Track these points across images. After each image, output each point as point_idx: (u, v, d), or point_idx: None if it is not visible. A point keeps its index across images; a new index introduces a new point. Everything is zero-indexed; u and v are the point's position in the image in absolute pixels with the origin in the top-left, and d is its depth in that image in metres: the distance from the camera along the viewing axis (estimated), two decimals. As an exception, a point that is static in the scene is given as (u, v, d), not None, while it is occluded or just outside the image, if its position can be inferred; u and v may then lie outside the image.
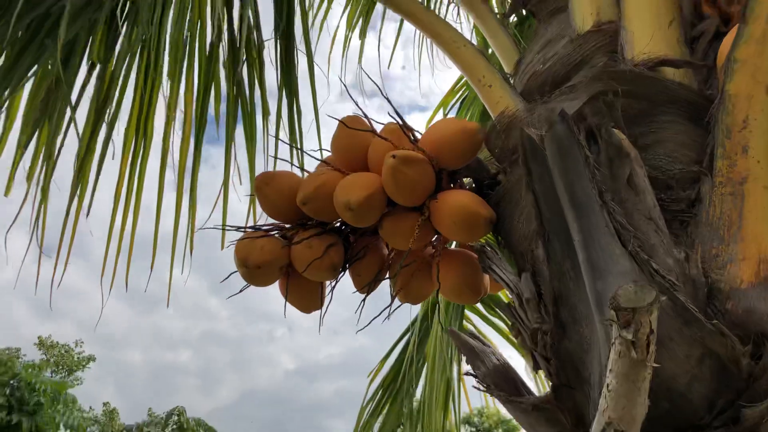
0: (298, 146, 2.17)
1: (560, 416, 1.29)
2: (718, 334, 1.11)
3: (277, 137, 2.08)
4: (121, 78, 2.23)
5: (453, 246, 1.87)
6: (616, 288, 1.01)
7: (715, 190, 1.26)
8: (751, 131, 1.26)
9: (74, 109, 2.17)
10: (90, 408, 18.05)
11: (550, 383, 1.33)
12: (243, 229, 1.89)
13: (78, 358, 19.48)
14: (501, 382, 1.53)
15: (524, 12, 2.17)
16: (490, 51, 2.17)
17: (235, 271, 1.84)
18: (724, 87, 1.30)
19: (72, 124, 2.13)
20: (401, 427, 4.38)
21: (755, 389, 1.13)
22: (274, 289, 1.89)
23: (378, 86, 1.76)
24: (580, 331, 1.25)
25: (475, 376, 1.57)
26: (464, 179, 1.78)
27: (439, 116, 3.57)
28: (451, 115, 3.61)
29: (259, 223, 1.95)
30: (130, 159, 2.26)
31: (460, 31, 1.90)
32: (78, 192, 2.15)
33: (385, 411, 4.25)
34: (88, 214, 2.23)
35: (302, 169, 1.95)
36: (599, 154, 1.29)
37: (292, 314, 2.01)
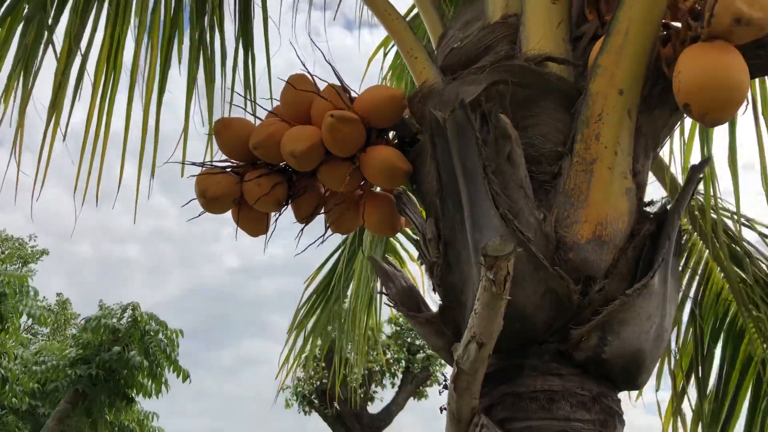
0: (252, 97, 2.46)
1: (444, 329, 1.74)
2: (557, 277, 1.55)
3: (233, 87, 2.37)
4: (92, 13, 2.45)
5: (377, 190, 2.24)
6: (487, 240, 1.42)
7: (573, 167, 1.67)
8: (603, 123, 1.65)
9: (51, 31, 2.40)
10: (44, 297, 18.30)
11: (440, 303, 1.76)
12: (202, 165, 2.22)
13: (31, 251, 19.49)
14: (406, 300, 1.96)
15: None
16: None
17: (194, 198, 2.18)
18: (588, 86, 1.68)
19: (50, 47, 2.36)
20: (331, 326, 4.91)
21: (581, 317, 1.59)
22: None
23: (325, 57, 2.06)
24: (462, 269, 1.67)
25: (387, 294, 2.00)
26: (390, 136, 2.14)
27: (380, 56, 3.86)
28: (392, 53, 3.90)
29: (215, 159, 2.28)
30: (101, 89, 2.50)
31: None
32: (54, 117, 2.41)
33: (317, 312, 4.75)
34: (64, 138, 2.49)
35: (254, 115, 2.25)
36: (488, 134, 1.67)
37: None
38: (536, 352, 1.60)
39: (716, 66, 1.48)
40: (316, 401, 19.48)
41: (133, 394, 6.74)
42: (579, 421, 1.52)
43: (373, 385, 20.19)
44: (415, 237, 2.05)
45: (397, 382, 19.91)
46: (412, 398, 19.73)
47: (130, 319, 6.57)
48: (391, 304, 1.95)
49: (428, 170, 1.86)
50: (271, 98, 2.31)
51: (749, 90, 1.68)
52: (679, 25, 1.71)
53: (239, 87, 2.42)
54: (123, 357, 6.54)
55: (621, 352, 1.56)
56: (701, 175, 1.82)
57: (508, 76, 1.76)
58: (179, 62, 2.44)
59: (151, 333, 6.72)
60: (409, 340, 17.64)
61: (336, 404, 19.80)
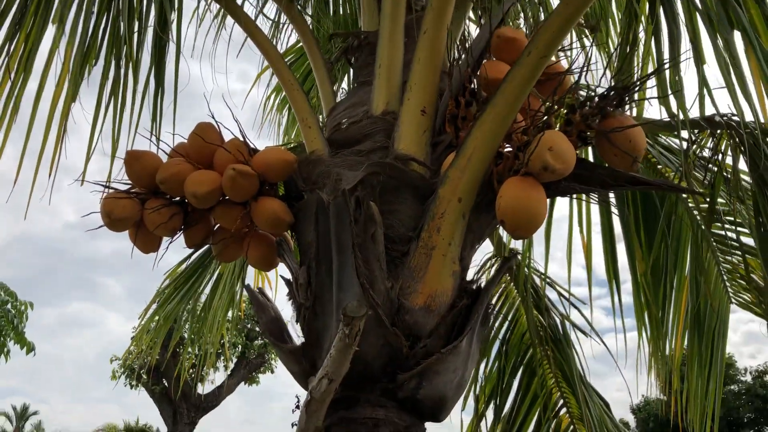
0: (158, 133, 2.78)
1: (303, 360, 2.20)
2: (394, 334, 2.06)
3: (138, 120, 2.68)
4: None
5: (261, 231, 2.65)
6: (348, 302, 1.90)
7: (418, 250, 2.19)
8: (444, 220, 2.19)
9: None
10: None
11: (303, 340, 2.22)
12: (106, 186, 2.52)
13: None
14: (274, 329, 2.40)
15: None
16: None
17: (93, 212, 2.48)
18: (438, 189, 2.21)
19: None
20: (185, 318, 5.20)
21: (407, 365, 2.11)
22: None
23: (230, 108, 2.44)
24: (325, 319, 2.14)
25: (257, 322, 2.42)
26: (280, 189, 2.56)
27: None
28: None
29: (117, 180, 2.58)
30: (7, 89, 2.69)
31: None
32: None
33: (173, 302, 5.02)
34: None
35: (158, 146, 2.58)
36: (360, 216, 2.15)
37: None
38: (370, 388, 2.10)
39: (524, 198, 2.05)
40: (144, 376, 19.18)
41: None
42: (394, 443, 2.05)
43: (204, 367, 20.19)
44: (286, 277, 2.47)
45: (231, 365, 20.03)
46: (243, 383, 19.95)
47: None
48: (261, 333, 2.38)
49: (309, 230, 2.31)
50: (174, 133, 2.63)
51: (547, 214, 2.26)
52: (510, 149, 2.29)
53: (147, 115, 2.74)
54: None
55: (431, 395, 2.10)
56: (508, 265, 2.41)
57: (380, 170, 2.25)
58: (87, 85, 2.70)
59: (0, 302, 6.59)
60: (249, 326, 17.88)
61: (164, 381, 19.58)
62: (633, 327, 3.83)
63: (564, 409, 4.34)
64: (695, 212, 3.54)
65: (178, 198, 2.53)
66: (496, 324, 4.10)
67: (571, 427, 4.36)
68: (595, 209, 3.78)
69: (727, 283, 4.03)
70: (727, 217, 3.71)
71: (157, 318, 5.04)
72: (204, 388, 20.05)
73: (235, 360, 20.08)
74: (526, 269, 3.77)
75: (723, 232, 3.71)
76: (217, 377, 19.96)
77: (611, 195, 3.48)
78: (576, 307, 3.79)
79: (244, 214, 2.45)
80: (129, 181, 2.54)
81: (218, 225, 2.58)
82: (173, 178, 2.42)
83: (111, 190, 2.51)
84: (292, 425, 2.13)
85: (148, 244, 2.55)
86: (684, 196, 3.44)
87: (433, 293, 2.17)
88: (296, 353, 2.23)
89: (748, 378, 23.46)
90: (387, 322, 2.05)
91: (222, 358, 20.02)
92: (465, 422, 4.11)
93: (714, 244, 3.92)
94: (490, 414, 4.13)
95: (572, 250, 3.66)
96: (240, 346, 19.14)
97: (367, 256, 2.11)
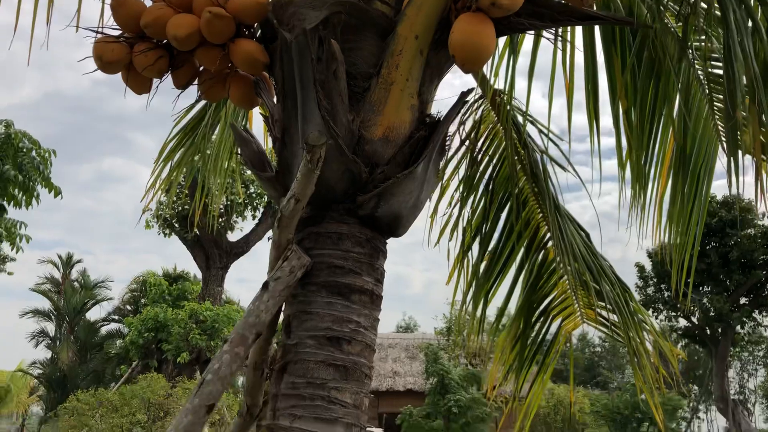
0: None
1: (277, 186, 2.49)
2: (354, 162, 2.32)
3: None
4: None
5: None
6: (309, 132, 2.14)
7: (378, 85, 2.39)
8: (402, 57, 2.37)
9: None
10: None
11: (276, 169, 2.50)
12: (97, 32, 2.71)
13: None
14: (256, 161, 2.67)
15: None
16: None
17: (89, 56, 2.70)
18: (396, 27, 2.37)
19: None
20: (196, 158, 5.52)
21: (366, 188, 2.38)
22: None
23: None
24: (293, 148, 2.40)
25: (242, 155, 2.69)
26: (256, 30, 2.73)
27: None
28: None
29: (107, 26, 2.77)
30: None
31: None
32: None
33: (184, 148, 5.32)
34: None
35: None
36: (322, 54, 2.33)
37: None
38: (335, 208, 2.39)
39: (473, 33, 2.20)
40: (176, 225, 20.20)
41: (3, 203, 7.04)
42: (355, 252, 2.37)
43: (234, 216, 21.07)
44: (266, 114, 2.70)
45: (258, 215, 20.85)
46: (271, 230, 20.81)
47: (3, 135, 6.72)
48: (244, 164, 2.65)
49: (277, 66, 2.51)
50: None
51: (495, 49, 2.40)
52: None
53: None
54: (-3, 170, 6.75)
55: (387, 214, 2.39)
56: (465, 100, 2.60)
57: (342, 9, 2.40)
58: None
59: (24, 150, 6.95)
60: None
61: (196, 230, 20.60)
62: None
63: (552, 242, 4.64)
64: (689, 51, 3.60)
65: (163, 41, 2.71)
66: (484, 162, 4.34)
67: (558, 258, 4.70)
68: (579, 46, 3.85)
69: (719, 123, 4.15)
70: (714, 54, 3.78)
71: (170, 164, 5.34)
72: (233, 236, 21.09)
73: (262, 209, 20.90)
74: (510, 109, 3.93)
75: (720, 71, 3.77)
76: (245, 225, 20.88)
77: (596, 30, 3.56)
78: (555, 143, 3.99)
79: (224, 56, 2.64)
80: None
81: (202, 66, 2.78)
82: (156, 22, 2.59)
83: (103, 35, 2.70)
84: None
85: (139, 85, 2.78)
86: (678, 36, 3.48)
87: (392, 125, 2.39)
88: (272, 180, 2.51)
89: (766, 222, 23.82)
90: (347, 151, 2.30)
91: (249, 207, 20.87)
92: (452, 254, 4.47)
93: (705, 82, 4.02)
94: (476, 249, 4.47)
95: (572, 97, 3.79)
96: (265, 196, 19.84)
97: (329, 91, 2.33)
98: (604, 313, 4.61)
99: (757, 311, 26.07)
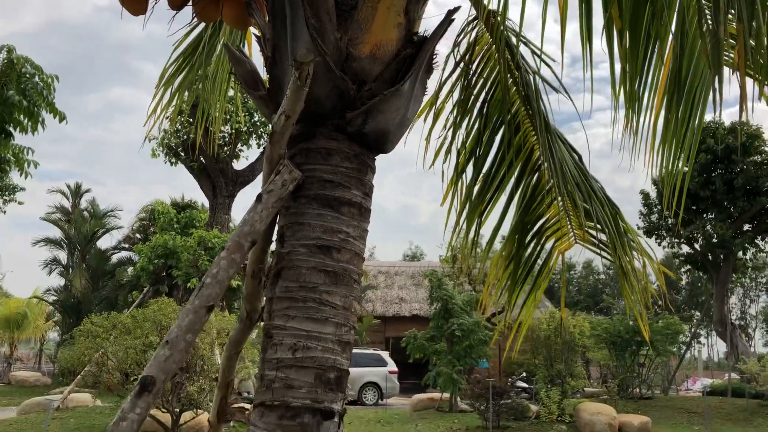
0: None
1: (270, 104, 2.59)
2: (341, 78, 2.41)
3: None
4: None
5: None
6: (298, 50, 2.23)
7: (365, 3, 2.45)
8: (389, -24, 2.42)
9: None
10: None
11: (267, 87, 2.59)
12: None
13: None
14: (249, 80, 2.76)
15: None
16: None
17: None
18: (383, -54, 2.41)
19: None
20: (195, 85, 5.57)
21: (354, 105, 2.48)
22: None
23: None
24: (283, 66, 2.49)
25: (235, 75, 2.78)
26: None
27: None
28: None
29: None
30: None
31: None
32: None
33: (184, 72, 5.37)
34: None
35: None
36: (312, -25, 2.39)
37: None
38: (324, 124, 2.50)
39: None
40: (182, 154, 20.30)
41: (10, 129, 7.13)
42: (344, 167, 2.49)
43: (239, 144, 21.13)
44: (257, 34, 2.77)
45: (263, 143, 20.87)
46: (275, 159, 20.85)
47: (5, 61, 6.75)
48: (239, 83, 2.75)
49: (269, -11, 2.57)
50: None
51: None
52: None
53: None
54: (2, 96, 6.79)
55: (375, 130, 2.50)
56: (452, 18, 2.66)
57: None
58: None
59: (27, 75, 6.98)
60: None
61: (202, 158, 20.71)
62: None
63: (547, 163, 4.71)
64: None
65: (155, -38, 2.77)
66: (478, 85, 4.39)
67: (553, 180, 4.80)
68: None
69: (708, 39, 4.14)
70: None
71: (170, 89, 5.39)
72: (239, 164, 21.21)
73: (267, 137, 20.91)
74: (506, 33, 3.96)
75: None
76: (250, 154, 20.95)
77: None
78: (547, 64, 4.03)
79: (216, -23, 2.70)
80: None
81: (195, -13, 2.85)
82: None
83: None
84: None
85: (135, 6, 2.85)
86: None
87: (379, 43, 2.47)
88: (264, 98, 2.61)
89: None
90: (335, 68, 2.39)
91: (254, 135, 20.89)
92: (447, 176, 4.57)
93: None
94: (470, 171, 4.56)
95: (565, 16, 3.80)
96: (270, 125, 19.82)
97: (317, 9, 2.40)
98: (596, 234, 4.72)
99: (759, 237, 26.26)
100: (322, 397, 2.30)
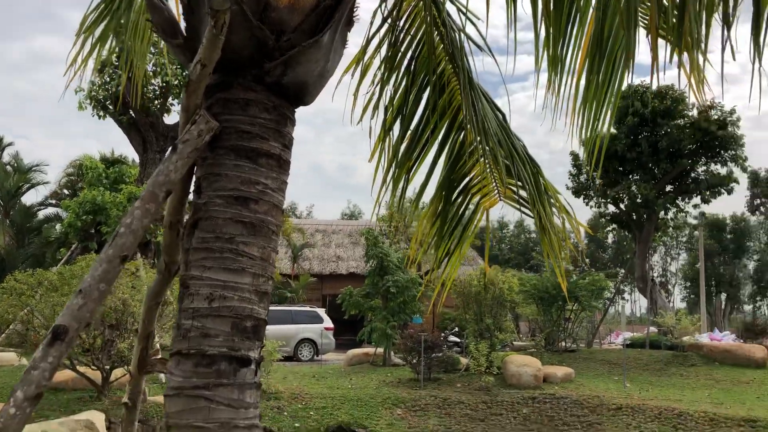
0: None
1: (187, 53, 2.55)
2: (258, 28, 2.40)
3: None
4: None
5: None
6: (214, -2, 2.20)
7: (284, -47, 2.43)
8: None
9: None
10: None
11: (185, 35, 2.55)
12: None
13: None
14: (167, 28, 2.71)
15: None
16: None
17: None
18: None
19: None
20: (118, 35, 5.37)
21: (273, 56, 2.48)
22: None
23: None
24: (200, 14, 2.46)
25: (152, 22, 2.72)
26: None
27: None
28: None
29: None
30: None
31: None
32: None
33: (106, 21, 5.17)
34: None
35: None
36: None
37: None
38: (242, 75, 2.49)
39: None
40: (110, 107, 19.57)
41: None
42: (262, 118, 2.50)
43: (170, 98, 20.51)
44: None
45: (195, 97, 20.30)
46: (208, 114, 20.37)
47: None
48: (156, 30, 2.69)
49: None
50: None
51: None
52: None
53: None
54: None
55: (294, 81, 2.51)
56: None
57: None
58: None
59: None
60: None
61: (132, 112, 20.05)
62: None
63: (469, 120, 4.78)
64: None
65: None
66: (406, 42, 4.41)
67: (478, 138, 4.88)
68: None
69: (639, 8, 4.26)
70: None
71: (91, 39, 5.18)
72: (170, 118, 20.62)
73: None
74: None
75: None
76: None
77: None
78: (472, 22, 4.08)
79: None
80: None
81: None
82: None
83: None
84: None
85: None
86: None
87: (296, -6, 2.46)
88: (182, 47, 2.57)
89: (695, 113, 24.61)
90: (252, 17, 2.38)
91: (185, 89, 20.31)
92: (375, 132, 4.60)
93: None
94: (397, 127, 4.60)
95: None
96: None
97: (236, -43, 2.36)
98: (517, 191, 4.85)
99: (680, 198, 27.45)
100: (238, 345, 2.34)
